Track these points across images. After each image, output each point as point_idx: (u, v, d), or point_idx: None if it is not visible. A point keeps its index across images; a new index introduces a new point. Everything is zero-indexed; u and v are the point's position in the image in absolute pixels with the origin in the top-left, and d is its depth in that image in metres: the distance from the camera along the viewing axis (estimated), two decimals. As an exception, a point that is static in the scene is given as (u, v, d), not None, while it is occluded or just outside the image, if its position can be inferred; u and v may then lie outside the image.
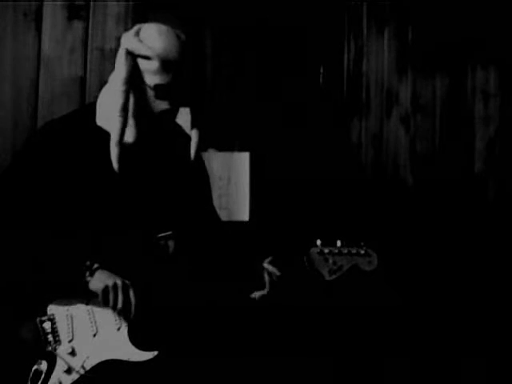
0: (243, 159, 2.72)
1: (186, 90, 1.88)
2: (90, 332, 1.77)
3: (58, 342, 1.75)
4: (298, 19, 2.80)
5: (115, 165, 1.82)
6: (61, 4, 2.59)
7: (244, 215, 2.70)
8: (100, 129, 1.86)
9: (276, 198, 2.73)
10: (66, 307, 1.78)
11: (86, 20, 2.61)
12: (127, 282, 1.78)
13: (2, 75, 2.56)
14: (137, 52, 1.82)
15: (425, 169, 2.82)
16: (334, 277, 1.93)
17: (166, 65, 1.82)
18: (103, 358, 1.75)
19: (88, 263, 1.78)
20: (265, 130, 2.75)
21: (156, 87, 1.83)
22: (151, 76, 1.83)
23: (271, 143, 2.75)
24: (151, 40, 1.84)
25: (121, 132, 1.80)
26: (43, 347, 1.73)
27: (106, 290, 1.76)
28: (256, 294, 1.91)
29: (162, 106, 1.85)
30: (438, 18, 2.83)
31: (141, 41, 1.82)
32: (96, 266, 1.78)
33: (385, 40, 2.84)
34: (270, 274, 1.92)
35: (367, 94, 2.83)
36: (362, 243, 1.94)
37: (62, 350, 1.74)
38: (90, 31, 2.61)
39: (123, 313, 1.77)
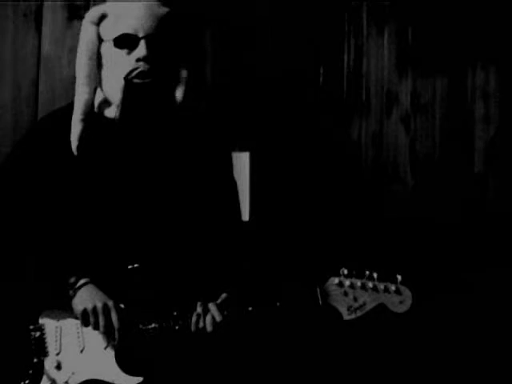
0: (243, 159, 2.71)
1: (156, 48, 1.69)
2: (77, 348, 1.70)
3: (45, 353, 1.69)
4: (297, 19, 2.80)
5: (75, 143, 1.68)
6: (61, 4, 2.59)
7: (244, 215, 2.69)
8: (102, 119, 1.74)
9: (276, 198, 2.73)
10: (56, 319, 1.71)
11: (86, 20, 2.61)
12: (110, 303, 1.65)
13: (1, 75, 2.56)
14: (93, 16, 1.74)
15: (425, 169, 2.82)
16: (353, 316, 1.60)
17: (120, 17, 1.69)
18: (88, 377, 1.68)
19: (73, 280, 1.67)
20: (265, 129, 2.75)
21: (115, 39, 1.69)
22: (110, 34, 1.71)
23: (271, 143, 2.75)
24: (109, 3, 1.75)
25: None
26: (31, 358, 1.67)
27: (84, 312, 1.64)
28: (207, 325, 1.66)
29: (126, 65, 1.67)
30: (438, 18, 2.83)
31: (99, 6, 1.77)
32: (82, 282, 1.68)
33: (385, 40, 2.84)
34: (204, 315, 1.65)
35: (367, 93, 2.83)
36: (399, 277, 1.60)
37: (49, 363, 1.68)
38: (90, 31, 2.60)
39: (106, 337, 1.67)
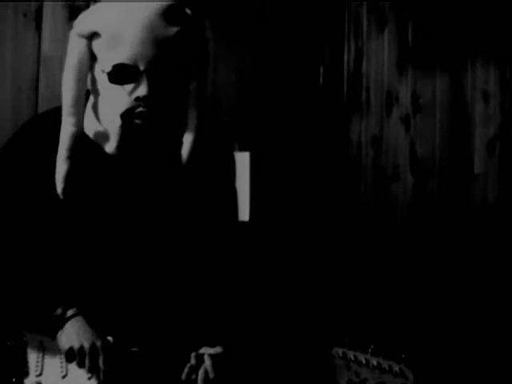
0: (243, 159, 2.72)
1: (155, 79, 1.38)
2: (59, 373, 1.59)
3: (26, 373, 1.57)
4: (298, 19, 2.80)
5: (60, 186, 1.45)
6: (61, 4, 2.59)
7: (244, 215, 2.69)
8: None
9: (276, 198, 2.73)
10: (39, 340, 1.61)
11: (86, 20, 2.61)
12: (98, 343, 1.50)
13: (1, 75, 2.56)
14: (83, 30, 1.40)
15: (425, 169, 2.82)
16: None
17: (116, 40, 1.35)
18: None
19: (59, 311, 1.53)
20: (265, 130, 2.75)
21: (110, 72, 1.39)
22: (103, 60, 1.40)
23: (271, 143, 2.75)
24: (102, 11, 1.39)
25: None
26: (10, 376, 1.55)
27: (70, 351, 1.51)
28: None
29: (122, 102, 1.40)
30: (438, 17, 2.83)
31: (89, 14, 1.42)
32: (70, 313, 1.53)
33: (385, 40, 2.84)
34: (197, 368, 1.50)
35: (367, 94, 2.83)
36: (403, 356, 1.53)
37: (29, 383, 1.56)
38: (90, 31, 2.60)
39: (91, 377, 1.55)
